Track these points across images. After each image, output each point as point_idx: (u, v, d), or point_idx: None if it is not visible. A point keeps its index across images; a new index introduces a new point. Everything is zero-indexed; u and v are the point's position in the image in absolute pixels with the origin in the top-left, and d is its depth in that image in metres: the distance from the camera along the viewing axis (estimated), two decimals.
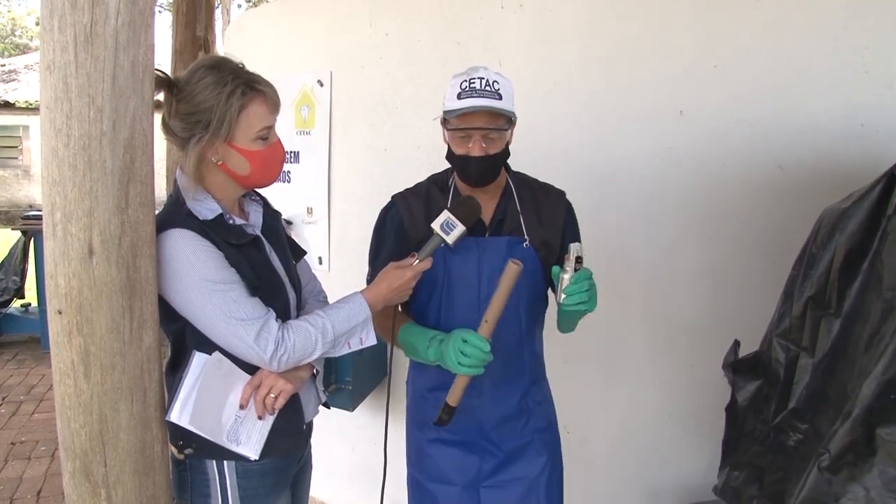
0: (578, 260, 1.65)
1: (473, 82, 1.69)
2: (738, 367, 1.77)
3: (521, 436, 1.92)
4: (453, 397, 1.72)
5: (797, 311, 1.56)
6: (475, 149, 1.72)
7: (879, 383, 1.22)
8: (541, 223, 1.86)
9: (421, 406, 1.98)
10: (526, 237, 1.83)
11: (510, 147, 1.82)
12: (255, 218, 1.67)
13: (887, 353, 1.22)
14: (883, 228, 1.36)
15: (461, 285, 1.84)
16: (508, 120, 1.74)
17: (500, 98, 1.68)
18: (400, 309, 1.88)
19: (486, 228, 1.85)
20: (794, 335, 1.56)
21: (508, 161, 1.88)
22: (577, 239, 1.91)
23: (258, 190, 1.73)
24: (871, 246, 1.37)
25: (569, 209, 1.93)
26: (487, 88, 1.68)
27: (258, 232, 1.63)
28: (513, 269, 1.61)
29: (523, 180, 1.94)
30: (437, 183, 1.94)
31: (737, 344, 1.83)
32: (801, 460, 1.43)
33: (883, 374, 1.22)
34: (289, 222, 3.35)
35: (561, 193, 1.94)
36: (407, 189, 1.99)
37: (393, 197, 1.99)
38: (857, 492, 1.22)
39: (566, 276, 1.65)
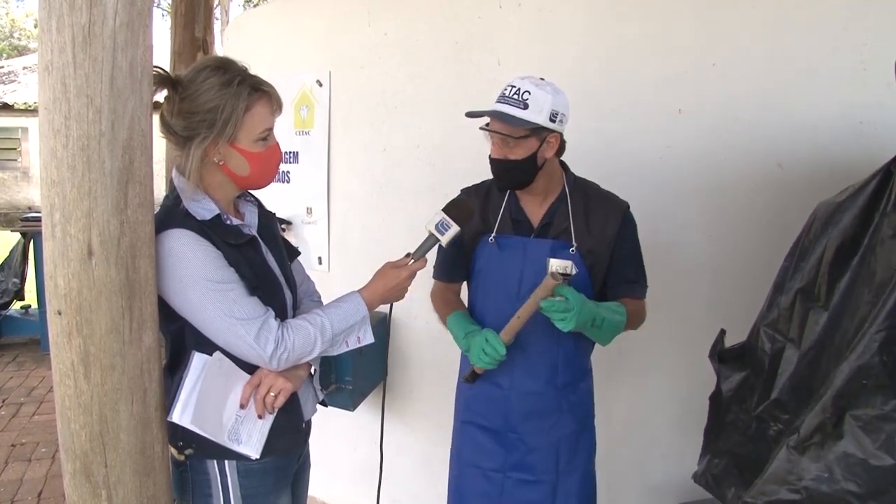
0: (555, 276, 1.72)
1: (506, 90, 1.80)
2: (724, 356, 1.78)
3: (548, 434, 1.97)
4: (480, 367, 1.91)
5: (786, 302, 1.57)
6: (493, 150, 1.85)
7: (852, 368, 1.24)
8: (589, 231, 1.91)
9: (463, 389, 2.08)
10: (574, 242, 1.88)
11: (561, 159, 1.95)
12: (251, 218, 1.68)
13: (864, 340, 1.23)
14: (876, 224, 1.36)
15: (502, 280, 1.93)
16: (535, 131, 1.79)
17: (525, 108, 1.76)
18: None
19: (533, 230, 1.93)
20: (782, 326, 1.57)
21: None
22: (632, 252, 1.98)
23: (253, 191, 1.74)
24: (863, 241, 1.38)
25: (625, 221, 1.95)
26: (514, 97, 1.78)
27: (254, 232, 1.63)
28: (549, 282, 1.71)
29: (582, 187, 1.98)
30: (499, 187, 2.00)
31: (722, 333, 1.84)
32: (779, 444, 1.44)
33: (857, 359, 1.24)
34: (286, 223, 3.35)
35: (620, 205, 1.96)
36: (473, 185, 2.08)
37: (461, 191, 2.06)
38: (820, 472, 1.25)
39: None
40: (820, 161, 2.19)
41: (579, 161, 2.30)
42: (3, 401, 5.01)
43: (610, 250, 1.93)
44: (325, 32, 3.19)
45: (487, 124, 1.85)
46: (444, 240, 1.67)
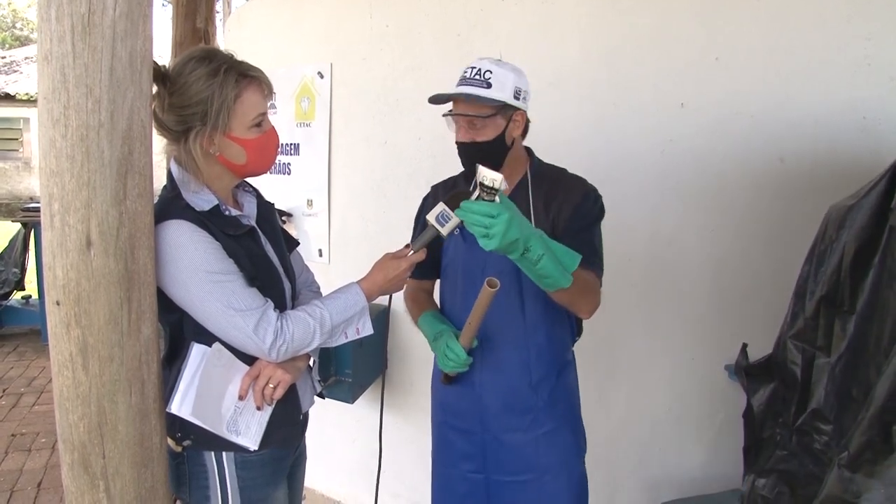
0: (486, 189, 1.51)
1: (466, 71, 1.77)
2: (751, 371, 1.75)
3: (525, 433, 1.90)
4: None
5: (810, 311, 1.55)
6: (459, 134, 1.80)
7: (893, 381, 1.22)
8: (548, 213, 1.84)
9: (438, 390, 2.04)
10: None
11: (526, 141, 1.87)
12: (250, 209, 1.68)
13: None
14: (890, 224, 1.35)
15: (468, 272, 1.89)
16: (501, 108, 1.75)
17: (489, 87, 1.72)
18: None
19: None
20: (809, 335, 1.55)
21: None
22: (586, 228, 1.82)
23: (252, 182, 1.73)
24: (881, 240, 1.36)
25: (583, 200, 1.84)
26: (476, 77, 1.74)
27: (253, 223, 1.63)
28: (486, 291, 1.65)
29: (546, 172, 1.92)
30: (466, 175, 1.98)
31: (744, 347, 1.81)
32: (831, 463, 1.42)
33: (894, 373, 1.22)
34: (287, 215, 3.35)
35: (581, 188, 1.86)
36: (441, 181, 2.05)
37: (431, 188, 2.05)
38: (876, 489, 1.22)
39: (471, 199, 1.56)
40: (822, 156, 2.18)
41: (580, 154, 2.30)
42: (4, 391, 5.02)
43: (563, 227, 1.81)
44: (326, 24, 3.18)
45: (451, 111, 1.81)
46: (445, 231, 1.66)
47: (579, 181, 1.89)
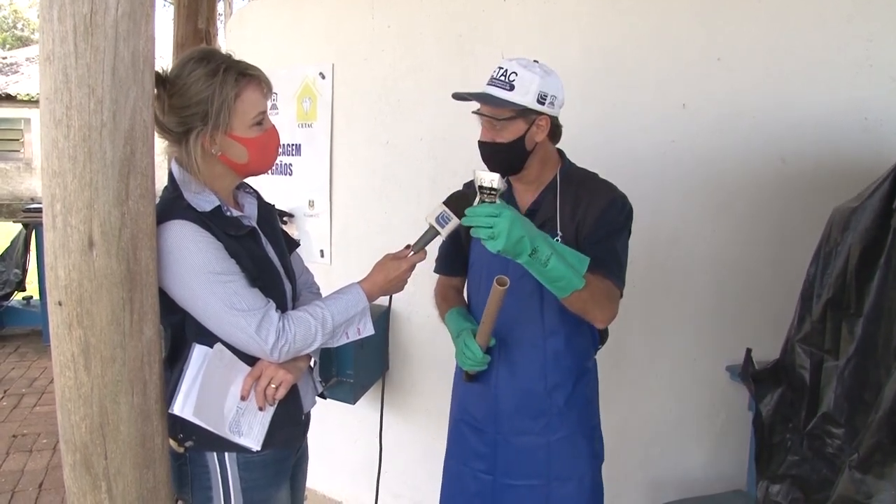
0: (486, 191, 1.60)
1: (495, 71, 1.75)
2: (758, 376, 1.74)
3: (537, 437, 1.90)
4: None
5: (817, 314, 1.54)
6: (481, 133, 1.81)
7: None
8: (573, 217, 1.83)
9: (459, 387, 2.05)
10: (559, 232, 1.81)
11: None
12: (251, 209, 1.68)
13: None
14: (894, 225, 1.35)
15: (492, 272, 1.85)
16: (522, 112, 1.73)
17: (511, 89, 1.71)
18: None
19: None
20: (816, 339, 1.54)
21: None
22: (609, 235, 1.79)
23: (252, 184, 1.73)
24: (886, 241, 1.35)
25: (609, 206, 1.80)
26: (501, 78, 1.73)
27: (254, 223, 1.63)
28: (496, 290, 1.65)
29: (576, 175, 1.90)
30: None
31: (749, 352, 1.80)
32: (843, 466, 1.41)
33: None
34: (288, 216, 3.35)
35: (608, 194, 1.83)
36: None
37: (464, 185, 2.00)
38: (887, 490, 1.22)
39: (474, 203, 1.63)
40: (824, 156, 2.18)
41: (582, 155, 2.30)
42: (5, 391, 5.02)
43: (587, 234, 1.80)
44: (327, 25, 3.18)
45: (479, 109, 1.81)
46: (444, 232, 1.67)
47: (608, 187, 1.87)
